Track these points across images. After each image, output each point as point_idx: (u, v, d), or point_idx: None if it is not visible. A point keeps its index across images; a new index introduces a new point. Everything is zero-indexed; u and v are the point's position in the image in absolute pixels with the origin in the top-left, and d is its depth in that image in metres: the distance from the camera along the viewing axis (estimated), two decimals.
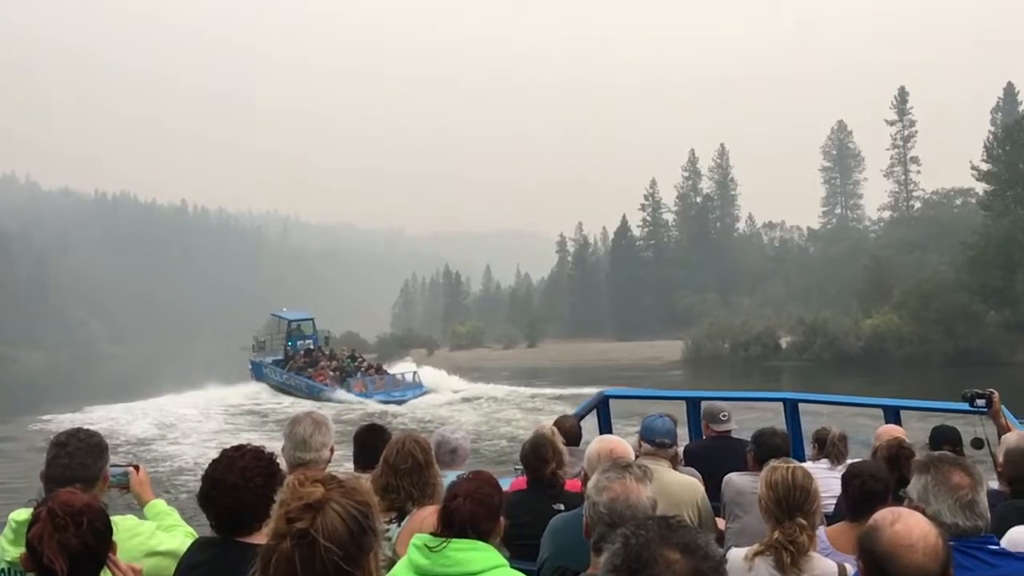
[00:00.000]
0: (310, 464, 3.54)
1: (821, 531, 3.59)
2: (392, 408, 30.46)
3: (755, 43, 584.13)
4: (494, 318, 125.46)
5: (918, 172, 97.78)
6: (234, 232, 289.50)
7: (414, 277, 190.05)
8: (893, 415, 5.83)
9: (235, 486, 2.47)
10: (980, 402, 4.69)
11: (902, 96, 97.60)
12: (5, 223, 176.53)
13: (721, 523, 4.30)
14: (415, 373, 37.49)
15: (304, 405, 28.94)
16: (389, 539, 3.45)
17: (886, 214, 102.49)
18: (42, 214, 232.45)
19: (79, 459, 2.79)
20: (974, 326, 50.26)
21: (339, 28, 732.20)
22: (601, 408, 6.79)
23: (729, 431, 5.52)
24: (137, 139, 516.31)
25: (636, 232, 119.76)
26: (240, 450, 2.61)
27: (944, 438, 4.73)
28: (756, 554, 2.93)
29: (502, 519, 2.77)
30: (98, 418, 26.98)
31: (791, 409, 6.36)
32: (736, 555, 2.96)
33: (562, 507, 3.73)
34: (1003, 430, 4.40)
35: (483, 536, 2.64)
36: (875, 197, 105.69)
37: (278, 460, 2.69)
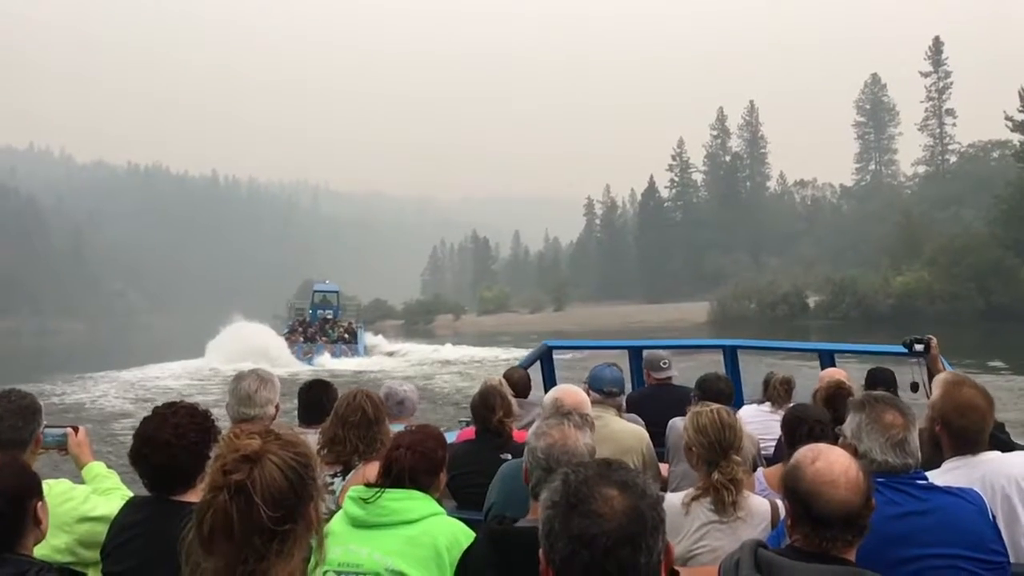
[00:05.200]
0: (255, 420, 3.51)
1: (759, 472, 3.58)
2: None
3: None
4: (522, 283, 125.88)
5: (953, 125, 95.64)
6: (265, 202, 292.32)
7: (443, 243, 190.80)
8: (828, 359, 5.95)
9: (167, 443, 2.41)
10: (918, 347, 4.75)
11: (937, 46, 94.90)
12: (41, 197, 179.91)
13: (665, 468, 4.28)
14: (353, 345, 41.05)
15: (299, 369, 30.58)
16: (333, 492, 3.44)
17: (921, 169, 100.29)
18: (77, 187, 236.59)
19: (8, 421, 2.74)
20: (1007, 281, 49.32)
21: (362, 4, 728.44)
22: (544, 359, 6.80)
23: (669, 378, 5.58)
24: (168, 112, 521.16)
25: (664, 193, 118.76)
26: (173, 407, 2.56)
27: (879, 379, 4.76)
28: (693, 499, 2.89)
29: (443, 475, 2.74)
30: (75, 388, 25.98)
31: (730, 356, 6.46)
32: (673, 501, 2.91)
33: (509, 457, 3.71)
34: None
35: (421, 488, 2.61)
36: (910, 152, 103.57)
37: (213, 418, 2.62)
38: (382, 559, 2.44)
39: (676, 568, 2.27)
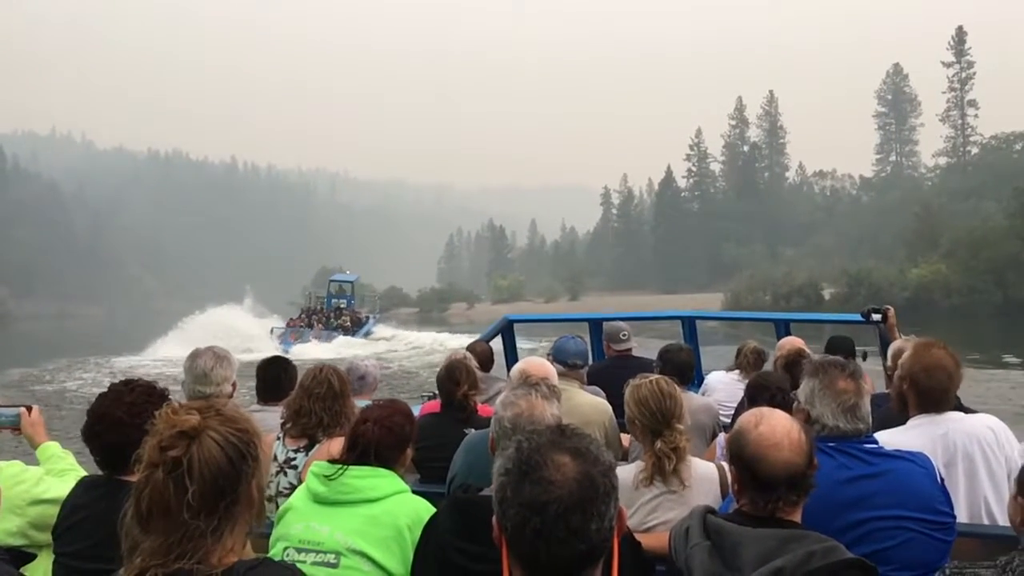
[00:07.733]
0: (211, 399, 3.50)
1: (721, 437, 3.62)
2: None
3: None
4: (538, 272, 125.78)
5: (976, 116, 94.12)
6: (283, 189, 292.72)
7: (459, 231, 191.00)
8: (784, 328, 6.07)
9: (120, 421, 2.37)
10: (876, 316, 4.88)
11: (960, 36, 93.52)
12: (62, 182, 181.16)
13: (627, 439, 4.27)
14: (342, 329, 41.15)
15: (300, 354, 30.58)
16: (295, 467, 3.45)
17: (942, 160, 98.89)
18: (97, 173, 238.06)
19: None
20: None
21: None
22: (505, 333, 6.81)
23: (629, 349, 5.58)
24: (188, 97, 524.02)
25: (682, 183, 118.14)
26: (130, 384, 2.51)
27: (838, 347, 4.85)
28: (643, 474, 2.87)
29: (410, 450, 2.71)
30: (64, 375, 25.81)
31: (689, 326, 6.53)
32: (623, 476, 2.89)
33: (472, 431, 3.70)
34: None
35: (387, 464, 2.57)
36: (931, 143, 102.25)
37: (171, 397, 2.56)
38: (343, 538, 2.42)
39: (633, 534, 2.27)
